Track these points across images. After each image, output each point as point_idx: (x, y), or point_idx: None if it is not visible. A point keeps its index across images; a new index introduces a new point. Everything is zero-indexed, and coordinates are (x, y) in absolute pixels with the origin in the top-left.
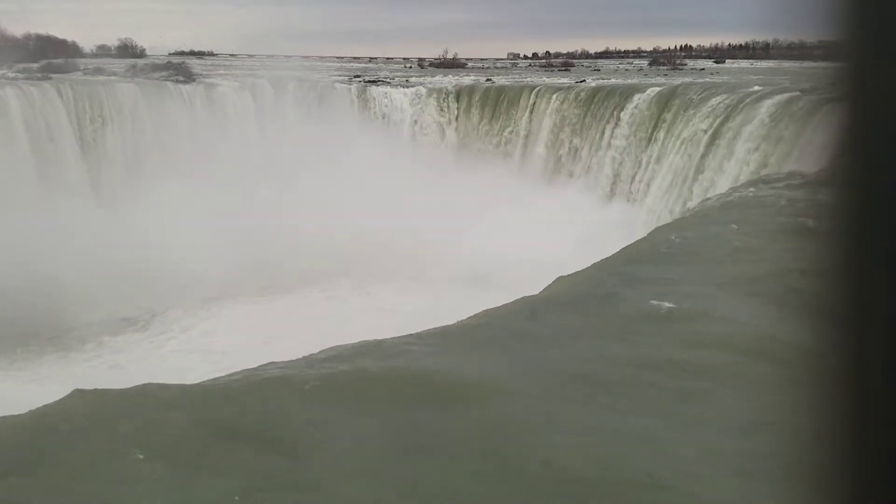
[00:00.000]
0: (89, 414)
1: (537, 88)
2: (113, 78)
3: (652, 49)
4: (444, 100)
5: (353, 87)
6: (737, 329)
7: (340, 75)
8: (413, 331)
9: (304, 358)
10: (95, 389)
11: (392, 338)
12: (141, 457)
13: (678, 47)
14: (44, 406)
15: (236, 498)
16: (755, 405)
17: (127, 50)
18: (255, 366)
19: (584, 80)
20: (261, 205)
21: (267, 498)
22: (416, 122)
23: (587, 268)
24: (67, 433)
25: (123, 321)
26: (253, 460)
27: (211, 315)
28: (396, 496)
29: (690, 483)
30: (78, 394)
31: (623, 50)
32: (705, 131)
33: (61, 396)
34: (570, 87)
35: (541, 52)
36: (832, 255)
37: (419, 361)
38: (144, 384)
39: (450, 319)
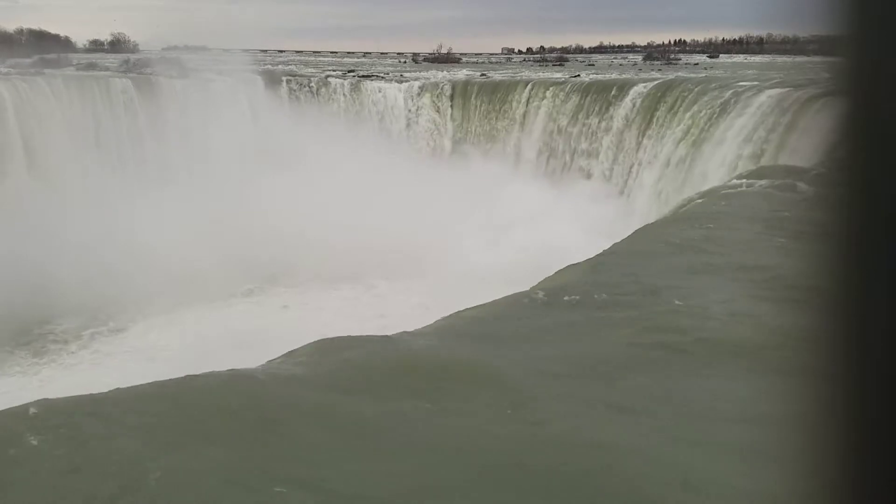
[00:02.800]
0: None
1: (532, 83)
2: (106, 73)
3: (646, 44)
4: (438, 95)
5: (347, 81)
6: (736, 324)
7: (334, 70)
8: (403, 327)
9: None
10: None
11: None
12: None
13: (672, 42)
14: None
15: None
16: (753, 401)
17: (120, 45)
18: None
19: (579, 75)
20: (250, 203)
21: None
22: (409, 117)
23: (580, 262)
24: None
25: (97, 322)
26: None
27: (183, 317)
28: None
29: (690, 481)
30: None
31: (617, 45)
32: (699, 126)
33: None
34: (564, 82)
35: (535, 46)
36: (830, 250)
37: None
38: None
39: (439, 314)
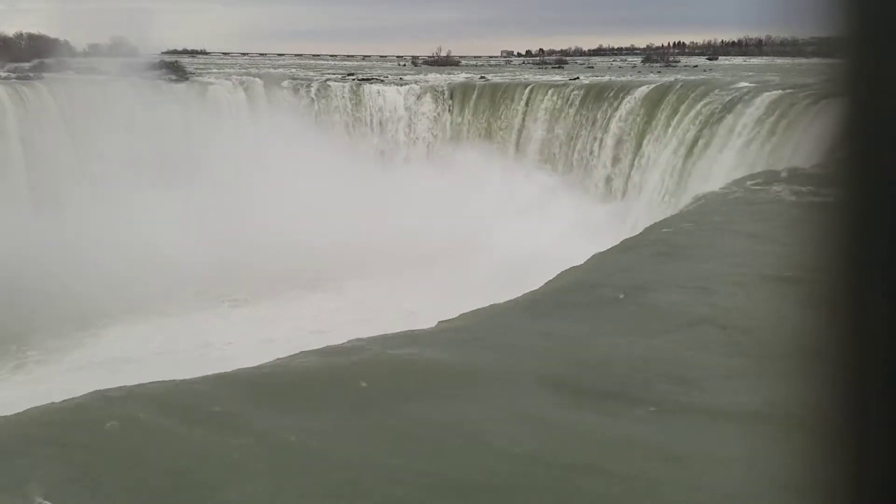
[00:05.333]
0: None
1: (531, 86)
2: (105, 77)
3: (645, 46)
4: (438, 97)
5: (347, 85)
6: (734, 326)
7: (334, 73)
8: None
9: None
10: None
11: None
12: None
13: (671, 44)
14: None
15: None
16: (752, 401)
17: (119, 49)
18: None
19: (578, 78)
20: (248, 209)
21: None
22: (409, 119)
23: (580, 264)
24: None
25: (91, 327)
26: None
27: (175, 323)
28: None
29: (685, 482)
30: None
31: (616, 47)
32: (700, 128)
33: None
34: (564, 85)
35: (534, 49)
36: (831, 252)
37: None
38: None
39: (441, 316)
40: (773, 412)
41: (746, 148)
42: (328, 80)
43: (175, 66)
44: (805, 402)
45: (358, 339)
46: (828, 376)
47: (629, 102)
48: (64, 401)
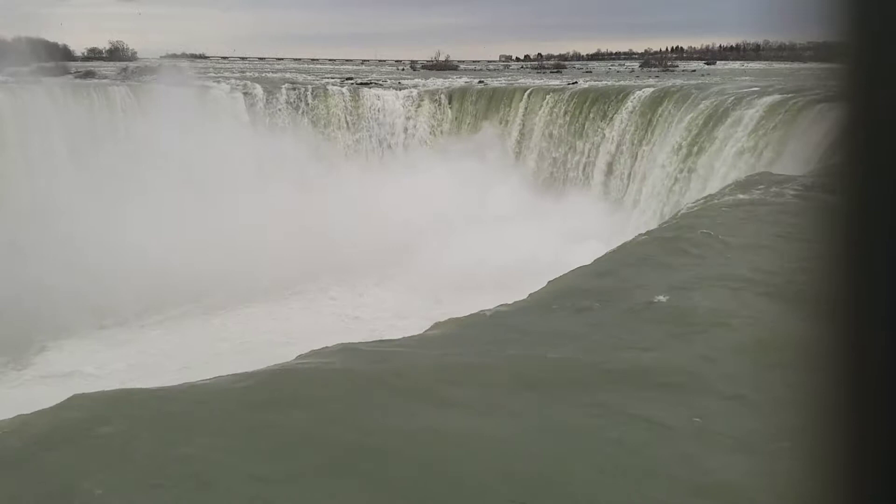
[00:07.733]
0: None
1: (529, 90)
2: (104, 81)
3: (643, 51)
4: (436, 102)
5: (346, 89)
6: (733, 331)
7: (333, 77)
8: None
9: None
10: None
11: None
12: None
13: (669, 49)
14: None
15: None
16: (750, 403)
17: (118, 53)
18: None
19: (576, 82)
20: (245, 214)
21: None
22: (408, 123)
23: (576, 269)
24: None
25: (85, 329)
26: None
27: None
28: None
29: (685, 486)
30: None
31: (614, 52)
32: (696, 133)
33: None
34: (562, 89)
35: (533, 54)
36: (829, 255)
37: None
38: None
39: (434, 318)
40: (771, 416)
41: (744, 152)
42: (327, 84)
43: (174, 70)
44: (805, 405)
45: (347, 345)
46: (828, 377)
47: (627, 108)
48: None
